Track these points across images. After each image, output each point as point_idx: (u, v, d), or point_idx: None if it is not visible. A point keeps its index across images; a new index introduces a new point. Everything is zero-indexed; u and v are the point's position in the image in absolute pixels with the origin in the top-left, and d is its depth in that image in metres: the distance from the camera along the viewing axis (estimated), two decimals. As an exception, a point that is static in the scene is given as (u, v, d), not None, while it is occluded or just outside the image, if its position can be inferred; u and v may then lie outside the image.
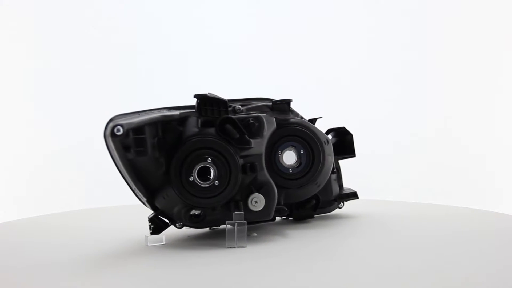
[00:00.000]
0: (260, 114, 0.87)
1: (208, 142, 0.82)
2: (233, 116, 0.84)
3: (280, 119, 0.92)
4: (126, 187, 0.91)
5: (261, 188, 0.85)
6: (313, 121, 0.98)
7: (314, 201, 0.98)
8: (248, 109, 0.91)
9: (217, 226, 0.89)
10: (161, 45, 1.99)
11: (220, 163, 0.82)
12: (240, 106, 0.91)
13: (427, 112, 1.99)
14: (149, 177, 0.83)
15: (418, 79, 1.99)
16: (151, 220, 0.87)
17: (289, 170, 0.92)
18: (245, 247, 0.81)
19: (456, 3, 1.99)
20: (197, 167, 0.82)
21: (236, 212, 0.82)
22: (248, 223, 0.90)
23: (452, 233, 0.89)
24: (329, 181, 0.99)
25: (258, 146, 0.85)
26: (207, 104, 0.85)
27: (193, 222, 0.85)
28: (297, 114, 0.95)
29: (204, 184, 0.82)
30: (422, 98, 1.99)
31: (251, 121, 0.85)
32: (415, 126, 1.95)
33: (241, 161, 0.84)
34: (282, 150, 0.92)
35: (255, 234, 0.91)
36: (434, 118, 1.98)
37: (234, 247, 0.81)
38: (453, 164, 1.94)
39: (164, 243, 0.87)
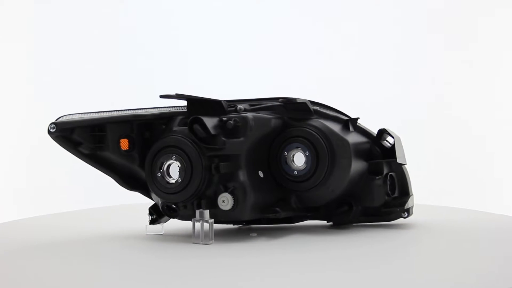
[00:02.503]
0: (248, 115, 0.86)
1: (175, 140, 0.85)
2: (202, 117, 0.84)
3: (293, 120, 0.90)
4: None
5: (232, 188, 0.84)
6: (350, 122, 0.92)
7: (346, 207, 0.93)
8: (258, 109, 0.91)
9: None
10: (161, 45, 1.99)
11: (184, 161, 0.84)
12: (242, 106, 0.91)
13: (427, 112, 1.99)
14: (127, 170, 0.92)
15: (417, 78, 2.00)
16: (150, 210, 0.93)
17: (294, 172, 0.89)
18: (208, 244, 0.83)
19: None
20: (166, 164, 0.86)
21: (197, 210, 0.84)
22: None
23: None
24: (369, 187, 0.92)
25: (236, 146, 0.84)
26: (197, 104, 0.89)
27: (171, 216, 0.90)
28: (324, 115, 0.91)
29: (170, 181, 0.86)
30: (422, 96, 1.99)
31: (229, 121, 0.84)
32: (415, 125, 1.95)
33: (209, 160, 0.84)
34: (289, 151, 0.89)
35: (255, 234, 0.91)
36: (434, 117, 1.98)
37: (199, 243, 0.84)
38: (455, 163, 1.94)
39: (162, 233, 0.91)
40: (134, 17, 2.02)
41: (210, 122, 0.84)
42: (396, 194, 0.94)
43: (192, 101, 0.89)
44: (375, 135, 0.95)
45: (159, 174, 0.86)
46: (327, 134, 0.88)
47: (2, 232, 1.01)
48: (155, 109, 0.91)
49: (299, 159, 0.89)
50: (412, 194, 0.96)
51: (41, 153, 1.96)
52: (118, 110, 0.91)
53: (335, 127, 0.90)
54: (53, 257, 0.79)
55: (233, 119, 0.85)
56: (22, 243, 0.90)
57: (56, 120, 0.89)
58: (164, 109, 0.91)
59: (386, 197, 0.93)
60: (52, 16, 1.99)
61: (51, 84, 1.98)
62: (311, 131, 0.89)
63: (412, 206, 0.96)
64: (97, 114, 0.90)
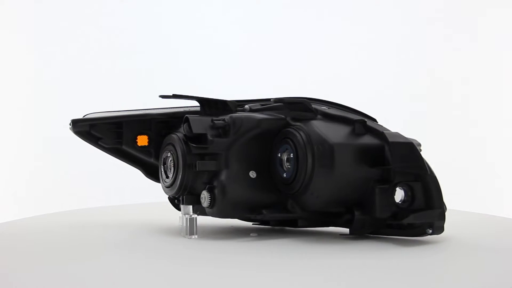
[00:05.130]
0: (237, 115, 0.87)
1: (171, 138, 0.90)
2: (196, 116, 0.88)
3: (295, 120, 0.87)
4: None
5: (211, 186, 0.86)
6: (355, 124, 0.85)
7: (349, 216, 0.85)
8: (264, 109, 0.90)
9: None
10: (161, 45, 1.99)
11: (173, 158, 0.89)
12: (248, 106, 0.92)
13: (426, 114, 1.99)
14: (149, 164, 0.98)
15: (417, 78, 2.00)
16: None
17: (283, 174, 0.86)
18: (190, 238, 0.87)
19: None
20: (166, 159, 0.91)
21: (181, 205, 0.88)
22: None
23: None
24: (374, 195, 0.84)
25: (220, 145, 0.86)
26: (206, 104, 0.93)
27: (176, 208, 0.95)
28: (329, 115, 0.87)
29: (167, 175, 0.91)
30: (422, 98, 1.99)
31: (216, 121, 0.86)
32: (415, 125, 1.95)
33: (195, 158, 0.86)
34: (282, 153, 0.86)
35: (255, 235, 0.91)
36: (432, 120, 1.98)
37: (185, 237, 0.88)
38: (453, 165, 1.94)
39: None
40: (134, 17, 2.02)
41: (202, 122, 0.86)
42: (414, 206, 0.84)
43: (202, 101, 0.94)
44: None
45: (162, 169, 0.92)
46: (311, 137, 0.83)
47: (6, 232, 1.01)
48: (172, 109, 0.98)
49: (289, 161, 0.86)
50: (440, 209, 0.83)
51: (41, 153, 1.96)
52: (140, 109, 0.98)
53: (331, 129, 0.84)
54: (55, 255, 0.79)
55: (222, 119, 0.86)
56: (22, 242, 0.90)
57: (84, 116, 0.98)
58: (179, 108, 0.97)
59: (395, 208, 0.84)
60: (52, 17, 1.99)
61: (51, 85, 1.98)
62: (296, 132, 0.85)
63: (440, 221, 0.83)
64: (117, 112, 0.98)
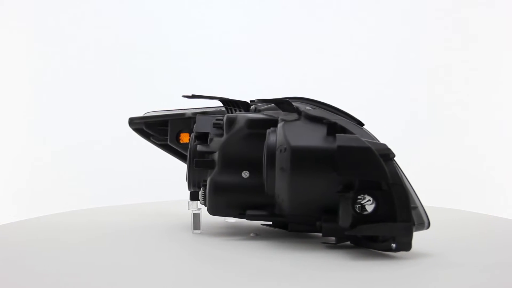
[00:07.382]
0: (231, 115, 0.88)
1: (191, 137, 0.95)
2: (199, 115, 0.93)
3: (282, 121, 0.84)
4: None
5: (204, 183, 0.89)
6: (327, 127, 0.79)
7: (320, 223, 0.81)
8: (268, 109, 0.91)
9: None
10: (161, 45, 2.00)
11: (188, 155, 0.95)
12: (254, 106, 0.95)
13: (426, 114, 1.99)
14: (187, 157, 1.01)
15: (417, 78, 2.00)
16: None
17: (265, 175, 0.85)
18: (194, 233, 0.92)
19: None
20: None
21: (188, 201, 0.93)
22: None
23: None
24: (339, 202, 0.77)
25: (215, 144, 0.89)
26: (225, 104, 1.00)
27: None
28: (310, 117, 0.82)
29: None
30: (421, 99, 1.99)
31: (215, 121, 0.90)
32: (414, 126, 1.96)
33: (198, 156, 0.91)
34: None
35: (254, 234, 0.92)
36: (432, 119, 1.99)
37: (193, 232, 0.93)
38: (450, 165, 1.95)
39: (234, 221, 1.01)
40: (134, 17, 2.02)
41: (209, 122, 0.90)
42: (375, 217, 0.76)
43: (223, 101, 0.99)
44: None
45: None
46: (278, 138, 0.81)
47: (3, 233, 1.01)
48: (202, 109, 1.05)
49: None
50: (407, 222, 0.75)
51: (41, 153, 1.96)
52: (184, 109, 1.06)
53: (302, 131, 0.80)
54: (56, 256, 0.80)
55: (220, 119, 0.89)
56: (23, 243, 0.90)
57: (144, 114, 1.07)
58: (208, 108, 1.05)
59: (353, 218, 0.77)
60: (50, 17, 1.99)
61: (51, 85, 1.98)
62: (268, 134, 0.84)
63: (405, 237, 0.75)
64: (166, 111, 1.07)
